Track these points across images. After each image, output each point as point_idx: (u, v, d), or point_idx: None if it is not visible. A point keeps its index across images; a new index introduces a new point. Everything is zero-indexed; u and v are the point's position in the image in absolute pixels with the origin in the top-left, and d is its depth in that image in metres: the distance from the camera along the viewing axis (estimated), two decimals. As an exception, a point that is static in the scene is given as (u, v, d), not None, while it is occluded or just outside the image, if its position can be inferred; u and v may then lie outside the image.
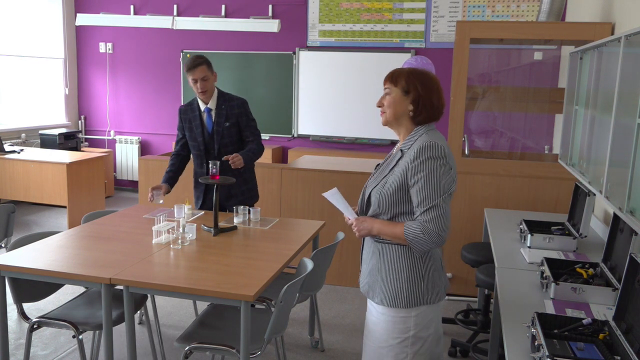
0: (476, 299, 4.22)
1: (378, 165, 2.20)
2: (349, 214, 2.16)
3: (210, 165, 3.22)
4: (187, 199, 3.58)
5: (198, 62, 3.42)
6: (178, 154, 3.72)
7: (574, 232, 3.02)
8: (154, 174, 4.94)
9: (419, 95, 2.02)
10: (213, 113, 3.55)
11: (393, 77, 2.07)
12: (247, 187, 3.67)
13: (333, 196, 2.16)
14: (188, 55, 7.43)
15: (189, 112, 3.62)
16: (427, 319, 2.07)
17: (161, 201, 3.44)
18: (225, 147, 3.52)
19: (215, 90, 3.59)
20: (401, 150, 2.06)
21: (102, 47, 7.83)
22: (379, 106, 2.11)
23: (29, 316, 2.74)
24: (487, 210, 3.80)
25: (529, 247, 2.91)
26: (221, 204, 3.56)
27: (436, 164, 1.95)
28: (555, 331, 1.82)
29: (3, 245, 3.77)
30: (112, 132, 7.99)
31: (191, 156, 3.74)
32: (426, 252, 2.02)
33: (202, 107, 3.56)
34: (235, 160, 3.33)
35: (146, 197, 4.95)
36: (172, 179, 3.64)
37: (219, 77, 7.40)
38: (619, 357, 1.69)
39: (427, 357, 2.09)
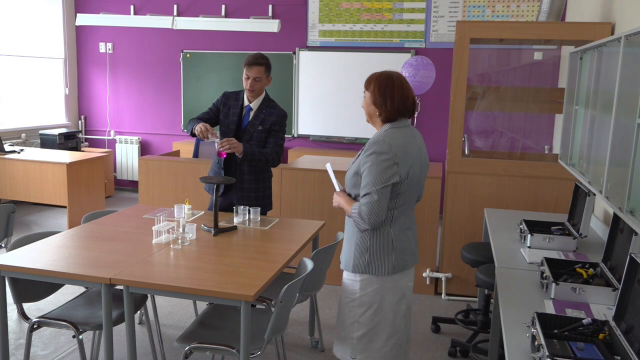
0: (476, 299, 4.22)
1: (357, 140, 2.60)
2: (336, 186, 2.56)
3: (216, 142, 3.24)
4: (187, 199, 3.58)
5: (257, 62, 3.43)
6: (201, 119, 3.57)
7: (574, 232, 3.02)
8: (154, 174, 4.94)
9: (376, 100, 2.39)
10: (252, 113, 3.54)
11: (367, 82, 2.45)
12: (258, 195, 3.60)
13: (329, 169, 2.58)
14: (188, 55, 7.44)
15: (232, 100, 3.60)
16: (371, 287, 2.42)
17: (218, 138, 3.32)
18: None
19: (264, 94, 3.59)
20: (369, 143, 2.40)
21: (102, 47, 7.83)
22: (362, 106, 2.51)
23: (29, 316, 2.74)
24: (487, 210, 3.80)
25: (529, 247, 2.91)
26: (232, 202, 3.54)
27: (379, 158, 2.29)
28: (555, 331, 1.83)
29: (3, 245, 3.76)
30: (112, 132, 7.99)
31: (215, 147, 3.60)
32: (365, 230, 2.38)
33: (246, 102, 3.56)
34: (226, 143, 3.25)
35: (146, 197, 4.96)
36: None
37: (219, 77, 7.35)
38: (619, 357, 1.69)
39: (372, 324, 2.43)
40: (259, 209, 3.41)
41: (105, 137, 8.03)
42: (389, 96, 2.37)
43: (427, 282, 4.45)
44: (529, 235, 2.93)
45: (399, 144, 2.33)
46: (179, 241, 2.90)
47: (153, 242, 2.91)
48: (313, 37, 7.03)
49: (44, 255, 2.67)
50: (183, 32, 7.40)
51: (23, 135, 7.12)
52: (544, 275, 2.37)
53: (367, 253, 2.40)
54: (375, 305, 2.43)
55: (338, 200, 2.51)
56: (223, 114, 3.58)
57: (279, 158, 3.55)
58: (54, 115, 7.80)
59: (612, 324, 1.86)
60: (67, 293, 3.76)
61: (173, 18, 7.08)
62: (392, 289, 2.44)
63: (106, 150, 7.70)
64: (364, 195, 2.31)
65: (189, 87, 7.52)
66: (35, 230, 4.89)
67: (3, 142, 6.41)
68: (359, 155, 2.43)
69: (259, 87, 3.49)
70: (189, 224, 2.99)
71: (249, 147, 3.40)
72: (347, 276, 2.49)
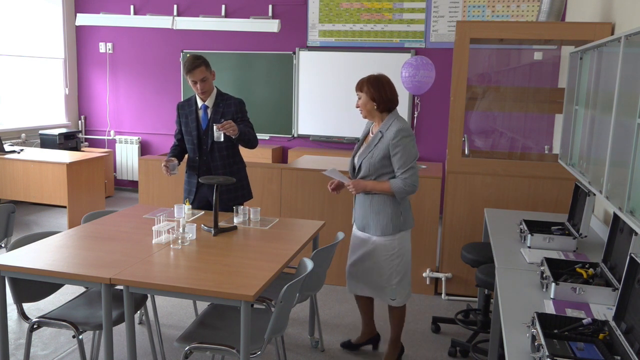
0: (476, 299, 4.22)
1: (358, 140, 3.25)
2: (346, 181, 3.13)
3: (215, 129, 3.35)
4: (187, 199, 3.58)
5: (197, 64, 3.46)
6: (179, 144, 3.79)
7: (574, 232, 3.02)
8: (154, 174, 4.94)
9: (373, 95, 3.01)
10: (209, 110, 3.61)
11: (359, 86, 3.07)
12: (236, 186, 3.67)
13: (333, 172, 3.14)
14: (188, 55, 7.43)
15: (186, 108, 3.70)
16: (405, 239, 3.14)
17: (176, 171, 3.56)
18: (219, 143, 3.56)
19: (215, 90, 3.65)
20: (380, 131, 3.03)
21: (102, 47, 7.83)
22: (357, 107, 3.10)
23: (29, 316, 2.74)
24: (487, 210, 3.80)
25: (529, 247, 2.91)
26: (209, 201, 3.62)
27: (407, 140, 2.98)
28: (555, 331, 1.83)
29: (3, 245, 3.76)
30: (112, 132, 7.99)
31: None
32: (408, 195, 3.06)
33: (200, 104, 3.63)
34: (227, 126, 3.32)
35: (146, 197, 4.96)
36: (179, 154, 3.74)
37: (219, 77, 7.39)
38: (619, 357, 1.69)
39: (404, 269, 3.15)
40: (259, 209, 3.42)
41: (105, 137, 8.03)
42: (382, 90, 3.01)
43: (427, 282, 4.45)
44: (529, 235, 2.93)
45: (410, 126, 3.03)
46: (179, 241, 2.90)
47: (153, 242, 2.91)
48: (313, 37, 7.03)
49: (44, 255, 2.67)
50: (183, 32, 7.40)
51: (23, 135, 7.12)
52: (544, 275, 2.37)
53: (401, 215, 3.09)
54: (406, 252, 3.14)
55: (362, 185, 3.07)
56: (183, 124, 3.69)
57: (257, 139, 3.65)
58: (54, 115, 7.80)
59: (612, 324, 1.86)
60: (67, 293, 3.76)
61: (173, 18, 7.08)
62: (410, 236, 3.21)
63: (106, 150, 7.70)
64: (406, 169, 2.96)
65: (189, 87, 7.48)
66: (35, 230, 4.89)
67: (3, 142, 6.41)
68: (376, 143, 3.02)
69: (208, 86, 3.56)
70: (189, 224, 2.99)
71: (240, 126, 3.47)
72: (385, 238, 3.09)
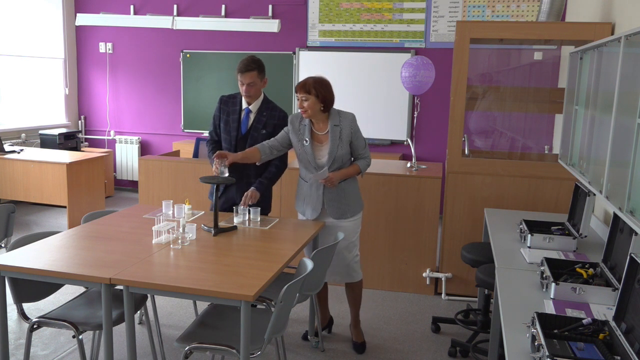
0: (476, 299, 4.22)
1: (306, 141, 3.31)
2: (324, 175, 3.24)
3: (220, 166, 3.21)
4: (187, 199, 3.58)
5: (250, 68, 3.36)
6: (215, 146, 3.59)
7: (574, 232, 3.02)
8: (154, 174, 4.94)
9: (324, 97, 3.24)
10: (252, 115, 3.50)
11: (306, 88, 3.21)
12: (266, 195, 3.61)
13: (323, 174, 3.24)
14: (188, 55, 7.44)
15: (229, 104, 3.55)
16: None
17: (226, 173, 3.23)
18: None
19: (262, 96, 3.54)
20: (336, 125, 3.29)
21: (102, 47, 7.83)
22: (301, 107, 3.25)
23: (29, 316, 2.74)
24: (487, 210, 3.80)
25: (529, 247, 2.91)
26: (236, 203, 3.52)
27: (357, 123, 3.36)
28: (555, 331, 1.83)
29: (3, 245, 3.76)
30: (112, 132, 7.99)
31: None
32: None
33: (244, 105, 3.52)
34: (253, 197, 3.39)
35: (146, 197, 4.96)
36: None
37: (219, 77, 7.29)
38: (619, 357, 1.69)
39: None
40: (259, 209, 3.40)
41: (105, 137, 8.03)
42: (328, 92, 3.27)
43: (427, 282, 4.45)
44: (529, 235, 2.93)
45: None
46: (179, 241, 2.90)
47: (153, 242, 2.91)
48: (313, 37, 7.03)
49: (44, 255, 2.66)
50: (183, 32, 7.40)
51: (23, 135, 7.12)
52: (544, 275, 2.37)
53: (359, 192, 3.47)
54: None
55: (339, 175, 3.27)
56: (223, 121, 3.55)
57: (286, 162, 3.61)
58: (54, 115, 7.80)
59: (612, 324, 1.86)
60: (67, 293, 3.76)
61: (173, 18, 7.08)
62: None
63: (106, 150, 7.70)
64: (366, 148, 3.38)
65: (189, 87, 7.52)
66: (35, 230, 4.89)
67: (3, 142, 6.41)
68: (339, 136, 3.27)
69: (255, 91, 3.46)
70: (189, 224, 2.99)
71: (261, 185, 3.45)
72: (359, 217, 3.42)
